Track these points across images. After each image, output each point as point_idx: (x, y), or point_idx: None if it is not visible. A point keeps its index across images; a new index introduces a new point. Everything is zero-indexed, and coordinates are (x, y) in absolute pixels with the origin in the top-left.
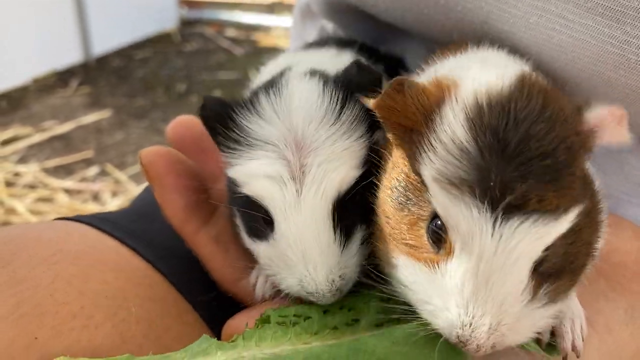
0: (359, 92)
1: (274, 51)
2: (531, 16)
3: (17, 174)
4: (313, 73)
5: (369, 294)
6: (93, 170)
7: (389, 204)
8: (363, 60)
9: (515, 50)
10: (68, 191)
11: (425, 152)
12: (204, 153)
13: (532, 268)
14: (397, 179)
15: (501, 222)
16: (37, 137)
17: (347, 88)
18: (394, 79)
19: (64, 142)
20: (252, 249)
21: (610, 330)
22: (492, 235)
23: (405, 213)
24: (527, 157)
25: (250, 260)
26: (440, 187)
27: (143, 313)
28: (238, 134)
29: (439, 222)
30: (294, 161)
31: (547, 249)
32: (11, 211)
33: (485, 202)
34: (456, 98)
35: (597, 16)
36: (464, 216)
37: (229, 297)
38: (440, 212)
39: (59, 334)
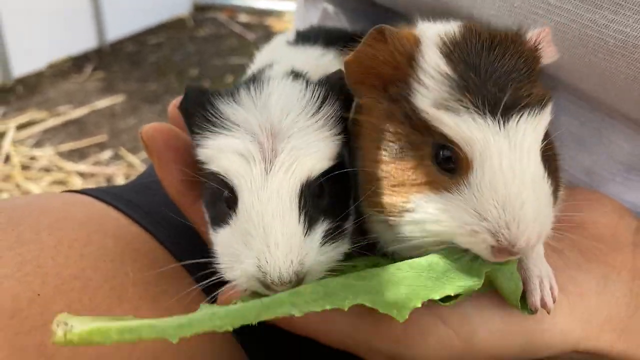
0: (340, 97)
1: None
2: (515, 0)
3: (32, 158)
4: (295, 75)
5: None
6: (107, 154)
7: (386, 160)
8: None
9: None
10: (82, 174)
11: (416, 89)
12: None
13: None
14: (384, 137)
15: (504, 122)
16: (52, 122)
17: (328, 89)
18: (372, 28)
19: (78, 127)
20: (213, 241)
21: (581, 296)
22: (500, 133)
23: (406, 160)
24: (499, 73)
25: None
26: (445, 111)
27: (140, 277)
28: (214, 118)
29: (446, 151)
30: (267, 145)
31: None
32: (27, 194)
33: (487, 109)
34: (427, 41)
35: (578, 1)
36: (474, 125)
37: None
38: (450, 133)
39: (60, 292)
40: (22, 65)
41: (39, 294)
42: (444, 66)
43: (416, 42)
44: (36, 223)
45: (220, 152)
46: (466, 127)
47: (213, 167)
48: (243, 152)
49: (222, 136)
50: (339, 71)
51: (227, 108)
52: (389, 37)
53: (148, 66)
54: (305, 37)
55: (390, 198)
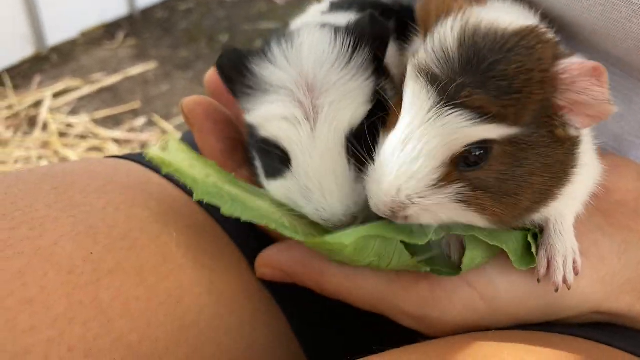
0: (370, 40)
1: None
2: None
3: (69, 125)
4: (324, 25)
5: None
6: (140, 121)
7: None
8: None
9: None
10: (117, 141)
11: (423, 42)
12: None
13: (449, 157)
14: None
15: (439, 106)
16: (87, 89)
17: (358, 36)
18: None
19: (112, 94)
20: (268, 188)
21: (603, 259)
22: (427, 111)
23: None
24: (490, 74)
25: None
26: (412, 70)
27: (183, 238)
28: (253, 81)
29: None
30: (306, 103)
31: (475, 154)
32: (64, 160)
33: (436, 89)
34: (463, 14)
35: None
36: (414, 92)
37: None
38: (404, 89)
39: (110, 251)
40: (56, 34)
41: (91, 252)
42: (449, 40)
43: (449, 11)
44: (85, 187)
45: (266, 120)
46: (410, 89)
47: (262, 132)
48: (287, 115)
49: (263, 102)
50: (368, 14)
51: (262, 70)
52: None
53: (179, 32)
54: (339, 6)
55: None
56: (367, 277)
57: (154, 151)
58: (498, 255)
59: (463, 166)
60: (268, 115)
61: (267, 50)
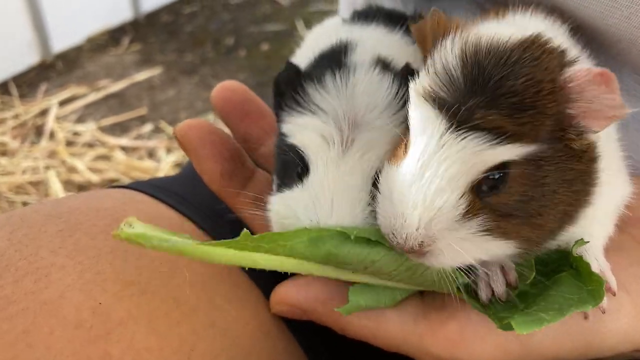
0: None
1: (319, 0)
2: None
3: (76, 133)
4: (383, 64)
5: None
6: (147, 127)
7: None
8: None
9: (553, 9)
10: (124, 148)
11: (422, 70)
12: (248, 117)
13: (470, 184)
14: None
15: (451, 130)
16: (93, 97)
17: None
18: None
19: (118, 100)
20: (271, 202)
21: None
22: (439, 137)
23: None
24: (499, 92)
25: None
26: (417, 96)
27: (196, 277)
28: (302, 100)
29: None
30: (346, 132)
31: (494, 177)
32: (72, 169)
33: (446, 114)
34: (461, 33)
35: None
36: (422, 118)
37: None
38: (410, 117)
39: (120, 299)
40: (61, 40)
41: (100, 303)
42: (451, 62)
43: (446, 31)
44: (92, 227)
45: (303, 128)
46: (417, 116)
47: (292, 140)
48: (324, 133)
49: (306, 116)
50: (406, 66)
51: (315, 93)
52: (429, 18)
53: (184, 36)
54: (363, 17)
55: None
56: (391, 317)
57: (115, 233)
58: None
59: (483, 193)
60: (306, 125)
61: (322, 77)
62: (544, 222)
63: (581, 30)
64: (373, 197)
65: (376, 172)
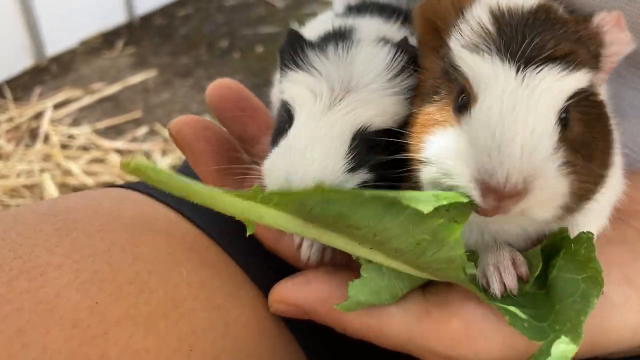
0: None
1: (313, 2)
2: None
3: (70, 137)
4: (381, 40)
5: None
6: (142, 130)
7: (420, 112)
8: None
9: None
10: (119, 151)
11: (454, 35)
12: (244, 114)
13: (557, 116)
14: (427, 92)
15: (523, 68)
16: (87, 100)
17: (410, 57)
18: None
19: (113, 103)
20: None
21: None
22: (515, 76)
23: (433, 107)
24: (557, 28)
25: None
26: (469, 51)
27: (194, 276)
28: (302, 61)
29: (465, 97)
30: (337, 91)
31: (564, 116)
32: (67, 172)
33: (509, 55)
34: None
35: None
36: (490, 63)
37: (276, 258)
38: (466, 70)
39: (117, 299)
40: (55, 44)
41: (97, 302)
42: (485, 20)
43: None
44: (88, 226)
45: (295, 84)
46: (481, 64)
47: (284, 96)
48: (314, 88)
49: (301, 74)
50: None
51: (314, 57)
52: None
53: (178, 39)
54: (357, 10)
55: (412, 146)
56: (393, 315)
57: (123, 162)
58: None
59: (559, 127)
60: (298, 80)
61: (324, 46)
62: (597, 167)
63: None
64: (356, 156)
65: (359, 130)
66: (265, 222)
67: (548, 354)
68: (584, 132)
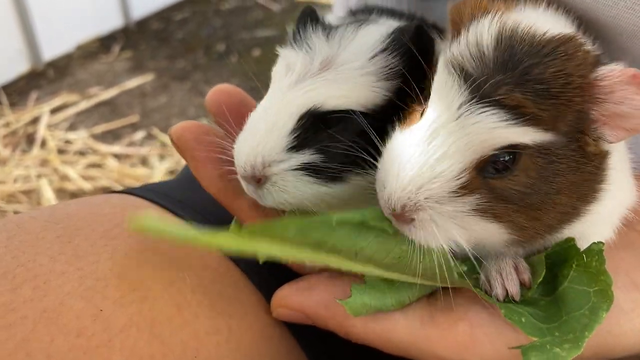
0: (406, 53)
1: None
2: None
3: (67, 141)
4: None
5: None
6: (140, 135)
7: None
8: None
9: (558, 4)
10: (117, 156)
11: (452, 42)
12: (244, 120)
13: (475, 161)
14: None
15: (471, 103)
16: (84, 104)
17: (396, 41)
18: None
19: (110, 108)
20: None
21: None
22: (457, 107)
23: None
24: (527, 77)
25: None
26: (444, 64)
27: (198, 282)
28: (301, 38)
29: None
30: (316, 67)
31: (503, 159)
32: (64, 177)
33: (469, 86)
34: (500, 16)
35: None
36: (444, 86)
37: (278, 263)
38: (433, 83)
39: (121, 306)
40: (51, 48)
41: (101, 310)
42: (472, 40)
43: (485, 11)
44: (91, 233)
45: (281, 59)
46: (442, 82)
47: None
48: (291, 64)
49: (290, 50)
50: (415, 25)
51: (312, 34)
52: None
53: (175, 43)
54: (359, 13)
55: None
56: (397, 320)
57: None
58: None
59: (487, 173)
60: (283, 55)
61: (327, 25)
62: (541, 216)
63: (583, 24)
64: (302, 135)
65: (312, 108)
66: (263, 253)
67: (540, 350)
68: (532, 184)
